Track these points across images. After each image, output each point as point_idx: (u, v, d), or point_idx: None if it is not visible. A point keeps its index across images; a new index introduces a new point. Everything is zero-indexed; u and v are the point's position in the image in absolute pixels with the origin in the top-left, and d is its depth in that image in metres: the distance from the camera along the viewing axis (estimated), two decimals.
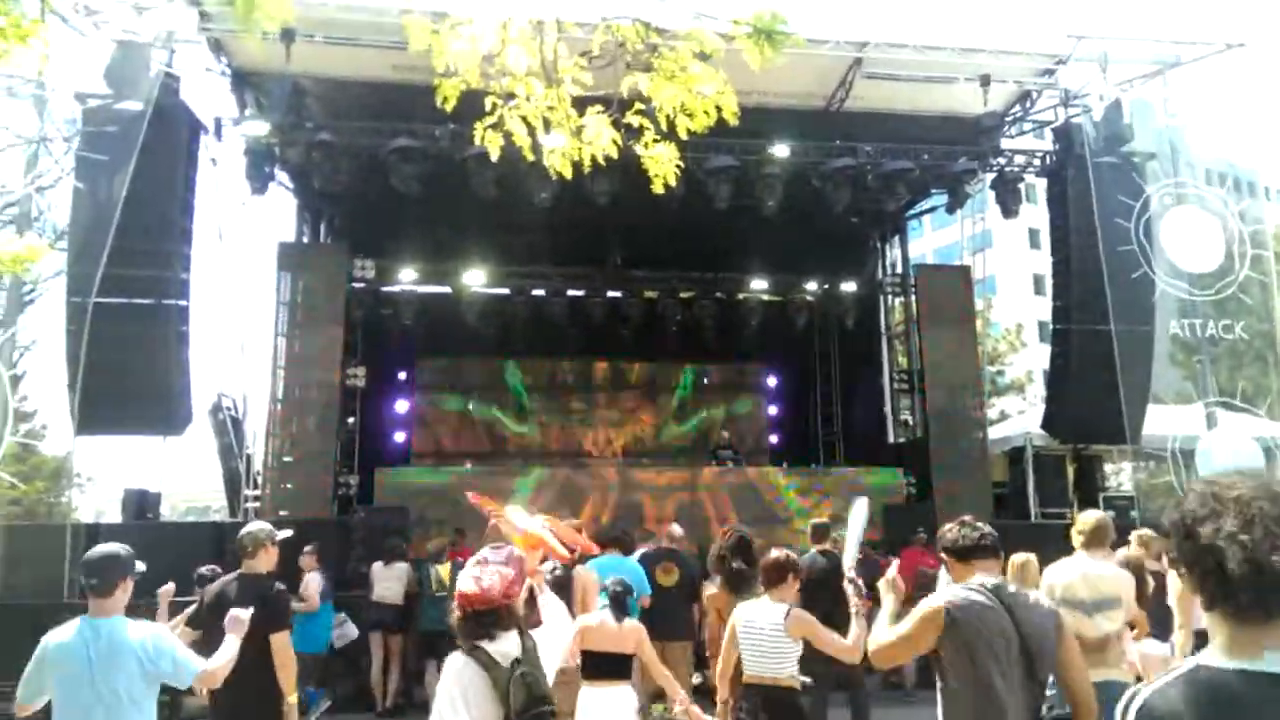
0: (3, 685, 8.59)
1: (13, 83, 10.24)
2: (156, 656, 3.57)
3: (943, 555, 3.52)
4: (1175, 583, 5.28)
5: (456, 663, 2.89)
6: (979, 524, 3.48)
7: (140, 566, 3.81)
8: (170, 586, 5.49)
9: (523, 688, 2.77)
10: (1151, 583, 5.85)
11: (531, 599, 3.21)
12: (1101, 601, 4.80)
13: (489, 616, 2.89)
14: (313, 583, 8.53)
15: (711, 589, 6.32)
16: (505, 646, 2.87)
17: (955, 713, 3.19)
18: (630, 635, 4.80)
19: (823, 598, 5.54)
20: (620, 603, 4.90)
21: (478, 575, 2.92)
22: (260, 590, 4.63)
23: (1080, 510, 12.24)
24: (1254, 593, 1.40)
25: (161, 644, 3.61)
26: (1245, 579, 1.39)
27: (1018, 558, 5.80)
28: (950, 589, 3.34)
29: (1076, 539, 5.09)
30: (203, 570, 7.14)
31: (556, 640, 3.18)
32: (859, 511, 5.03)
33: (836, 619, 4.42)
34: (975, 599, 3.18)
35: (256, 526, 4.97)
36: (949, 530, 3.51)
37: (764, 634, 4.26)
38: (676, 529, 8.24)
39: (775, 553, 4.52)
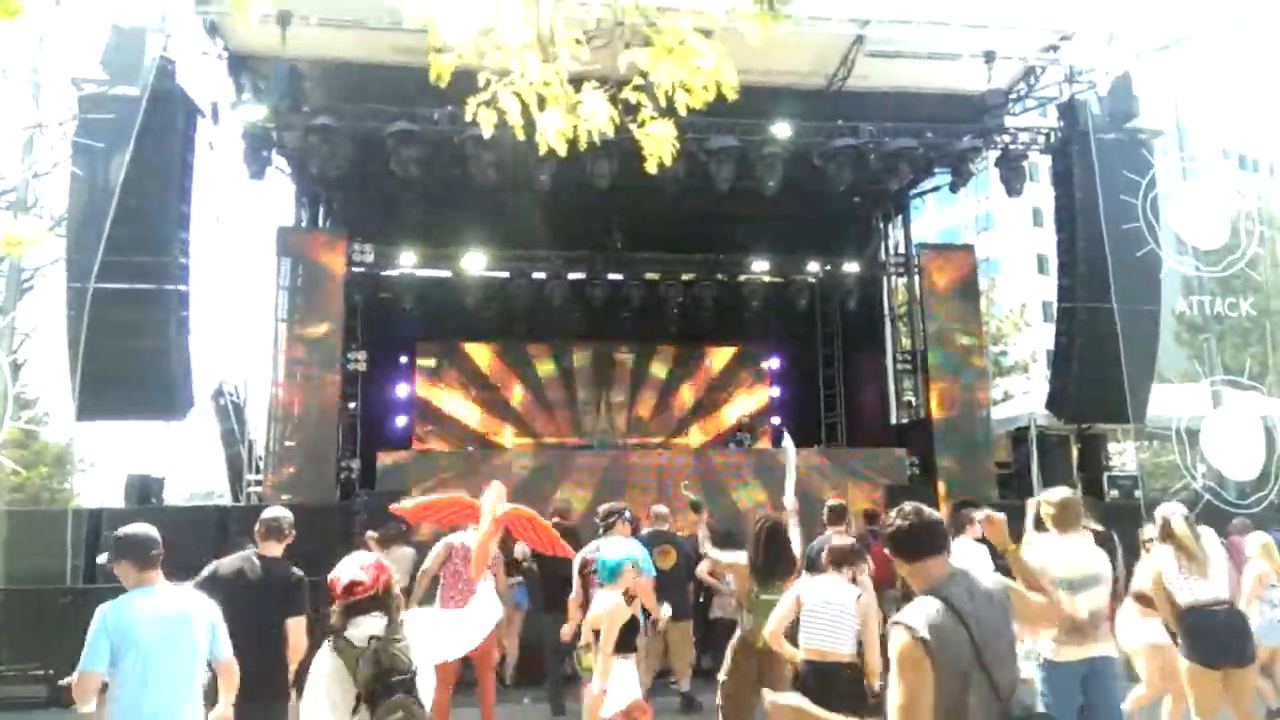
0: (8, 669, 8.72)
1: (7, 67, 10.16)
2: (212, 632, 3.61)
3: (887, 551, 2.93)
4: (1154, 563, 5.44)
5: (319, 656, 3.05)
6: (922, 510, 2.87)
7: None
8: None
9: (372, 663, 2.88)
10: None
11: (464, 582, 3.35)
12: (1086, 579, 4.77)
13: (356, 605, 3.06)
14: None
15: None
16: (365, 629, 2.99)
17: None
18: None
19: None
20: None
21: (351, 569, 3.13)
22: (282, 572, 4.74)
23: (1084, 491, 12.27)
24: None
25: (217, 622, 3.66)
26: None
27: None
28: (910, 607, 2.69)
29: (1048, 519, 4.93)
30: None
31: (464, 627, 3.36)
32: (789, 451, 6.39)
33: None
34: (940, 617, 2.60)
35: (284, 511, 5.03)
36: (890, 518, 2.89)
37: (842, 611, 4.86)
38: (661, 508, 8.04)
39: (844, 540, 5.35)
